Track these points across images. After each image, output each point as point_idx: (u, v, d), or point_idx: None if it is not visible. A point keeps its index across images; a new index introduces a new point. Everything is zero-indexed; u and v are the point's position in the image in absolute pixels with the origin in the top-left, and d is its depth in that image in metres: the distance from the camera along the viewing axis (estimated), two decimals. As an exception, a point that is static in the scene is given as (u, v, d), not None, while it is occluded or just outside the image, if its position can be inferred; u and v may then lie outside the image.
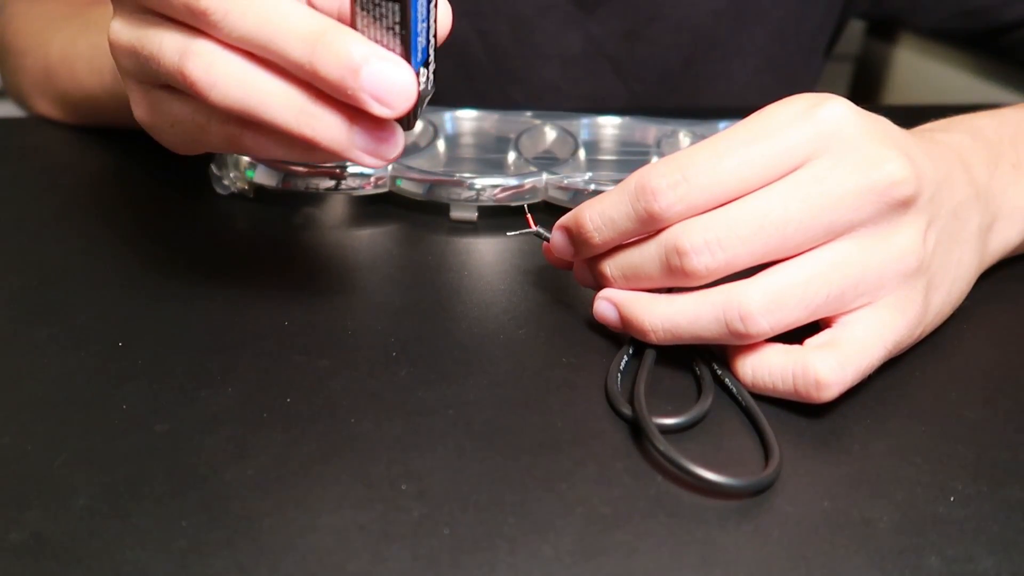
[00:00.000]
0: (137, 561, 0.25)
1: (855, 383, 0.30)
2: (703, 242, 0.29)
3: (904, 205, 0.30)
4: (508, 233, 0.38)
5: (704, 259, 0.29)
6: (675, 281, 0.31)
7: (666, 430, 0.29)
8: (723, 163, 0.29)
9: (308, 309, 0.36)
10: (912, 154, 0.30)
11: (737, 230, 0.29)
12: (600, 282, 0.34)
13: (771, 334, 0.30)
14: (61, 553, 0.25)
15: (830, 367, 0.29)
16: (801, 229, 0.29)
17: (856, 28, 1.21)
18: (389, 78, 0.26)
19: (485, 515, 0.26)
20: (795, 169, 0.30)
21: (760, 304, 0.29)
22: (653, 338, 0.32)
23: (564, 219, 0.34)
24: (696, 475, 0.27)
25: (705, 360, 0.33)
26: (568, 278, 0.39)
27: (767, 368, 0.31)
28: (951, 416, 0.31)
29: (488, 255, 0.42)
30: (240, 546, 0.25)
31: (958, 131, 0.37)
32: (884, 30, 1.21)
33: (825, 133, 0.29)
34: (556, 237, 0.35)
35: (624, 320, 0.33)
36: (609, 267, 0.33)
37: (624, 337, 0.34)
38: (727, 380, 0.32)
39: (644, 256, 0.32)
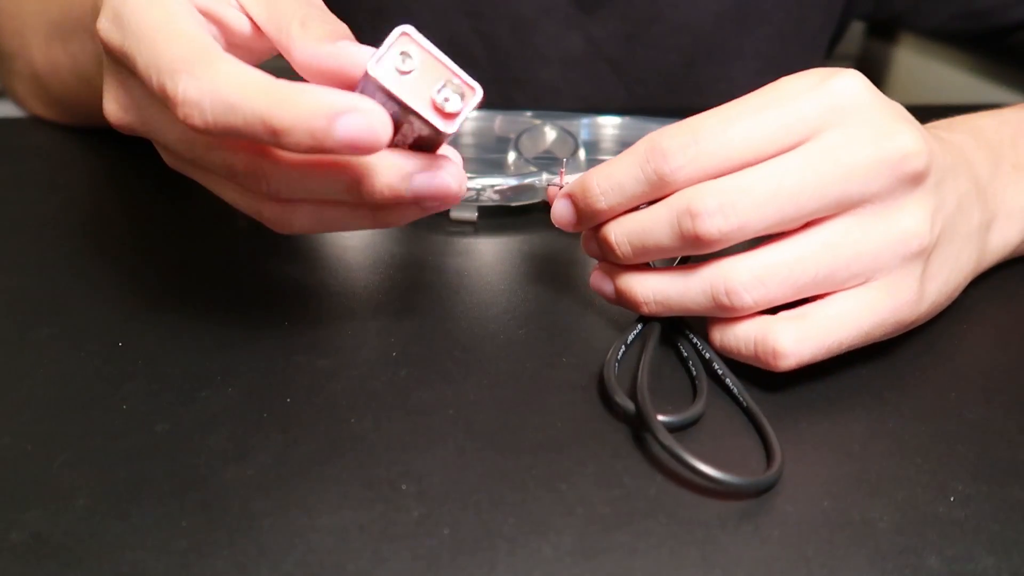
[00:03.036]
0: (137, 561, 0.25)
1: (816, 358, 0.30)
2: (717, 205, 0.29)
3: (915, 180, 0.30)
4: (544, 182, 0.37)
5: (717, 221, 0.29)
6: (685, 247, 0.30)
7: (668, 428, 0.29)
8: (734, 128, 0.29)
9: (308, 309, 0.36)
10: (923, 133, 0.30)
11: (751, 195, 0.29)
12: (605, 252, 0.33)
13: (756, 309, 0.30)
14: (61, 553, 0.25)
15: (790, 338, 0.30)
16: (814, 198, 0.29)
17: (856, 28, 1.21)
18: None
19: (485, 515, 0.26)
20: (805, 140, 0.29)
21: (746, 280, 0.29)
22: (645, 310, 0.32)
23: (569, 186, 0.33)
24: (700, 471, 0.27)
25: (705, 359, 0.33)
26: (568, 278, 0.39)
27: (733, 332, 0.31)
28: (951, 416, 0.31)
29: (488, 255, 0.42)
30: (240, 546, 0.25)
31: (960, 131, 0.37)
32: (884, 30, 1.21)
33: (837, 105, 0.29)
34: (559, 206, 0.34)
35: (618, 291, 0.33)
36: (615, 233, 0.32)
37: (623, 335, 0.34)
38: (728, 380, 0.32)
39: (653, 220, 0.31)
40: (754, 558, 0.25)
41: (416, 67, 0.26)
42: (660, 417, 0.29)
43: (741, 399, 0.31)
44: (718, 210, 0.29)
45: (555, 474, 0.28)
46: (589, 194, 0.32)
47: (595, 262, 0.35)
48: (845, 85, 0.30)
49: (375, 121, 0.25)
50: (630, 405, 0.30)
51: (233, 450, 0.29)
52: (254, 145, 0.28)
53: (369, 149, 0.25)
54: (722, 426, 0.30)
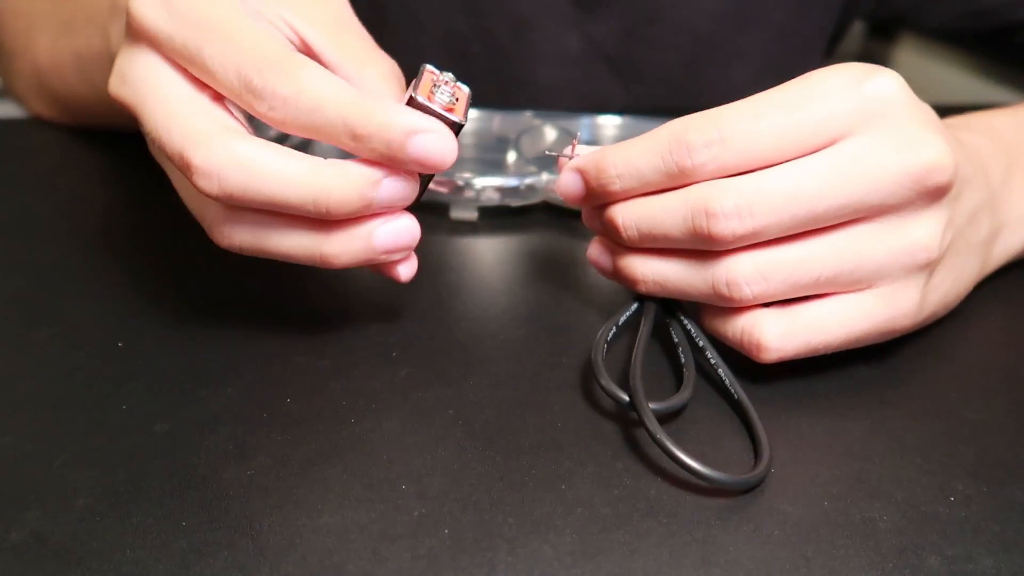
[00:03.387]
0: (137, 561, 0.25)
1: (800, 356, 0.31)
2: (734, 207, 0.28)
3: (936, 194, 0.29)
4: (547, 152, 0.37)
5: (732, 224, 0.28)
6: (695, 242, 0.30)
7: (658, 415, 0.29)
8: (762, 125, 0.28)
9: (308, 309, 0.36)
10: (950, 143, 0.30)
11: (769, 199, 0.28)
12: (609, 231, 0.32)
13: (755, 302, 0.30)
14: (61, 553, 0.25)
15: (775, 333, 0.30)
16: (833, 207, 0.28)
17: (856, 28, 1.21)
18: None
19: (485, 515, 0.26)
20: (834, 141, 0.29)
21: (747, 273, 0.29)
22: (642, 288, 0.32)
23: (581, 160, 0.32)
24: (688, 466, 0.27)
25: (699, 347, 0.32)
26: (568, 278, 0.39)
27: (724, 317, 0.31)
28: (951, 416, 0.31)
29: (488, 255, 0.42)
30: (240, 546, 0.25)
31: (976, 132, 0.36)
32: (884, 30, 1.21)
33: (869, 108, 0.28)
34: (568, 178, 0.32)
35: (616, 267, 0.33)
36: (623, 216, 0.31)
37: (624, 338, 0.34)
38: (720, 371, 0.31)
39: (666, 210, 0.30)
40: (754, 558, 0.25)
41: (448, 92, 0.30)
42: (653, 405, 0.29)
43: (733, 391, 0.31)
44: (734, 212, 0.28)
45: (555, 474, 0.28)
46: (604, 175, 0.31)
47: (593, 238, 0.34)
48: (880, 87, 0.29)
49: (446, 144, 0.28)
50: (615, 390, 0.29)
51: (233, 450, 0.29)
52: None
53: (436, 168, 0.28)
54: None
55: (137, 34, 0.30)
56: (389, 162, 0.28)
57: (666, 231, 0.30)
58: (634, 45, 0.61)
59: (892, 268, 0.30)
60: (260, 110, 0.28)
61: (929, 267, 0.30)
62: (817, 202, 0.28)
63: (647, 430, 0.28)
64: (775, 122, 0.28)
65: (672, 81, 0.63)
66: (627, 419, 0.30)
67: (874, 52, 1.22)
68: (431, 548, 0.25)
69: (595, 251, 0.34)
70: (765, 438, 0.29)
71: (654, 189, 0.31)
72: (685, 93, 0.64)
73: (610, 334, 0.32)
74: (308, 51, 0.32)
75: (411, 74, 0.31)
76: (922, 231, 0.30)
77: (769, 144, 0.29)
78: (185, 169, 0.28)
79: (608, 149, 0.31)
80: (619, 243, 0.33)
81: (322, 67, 0.28)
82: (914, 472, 0.29)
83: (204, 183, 0.28)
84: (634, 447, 0.29)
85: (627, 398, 0.29)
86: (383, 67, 0.32)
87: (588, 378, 0.33)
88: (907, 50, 1.18)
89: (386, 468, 0.28)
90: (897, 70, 0.30)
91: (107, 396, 0.31)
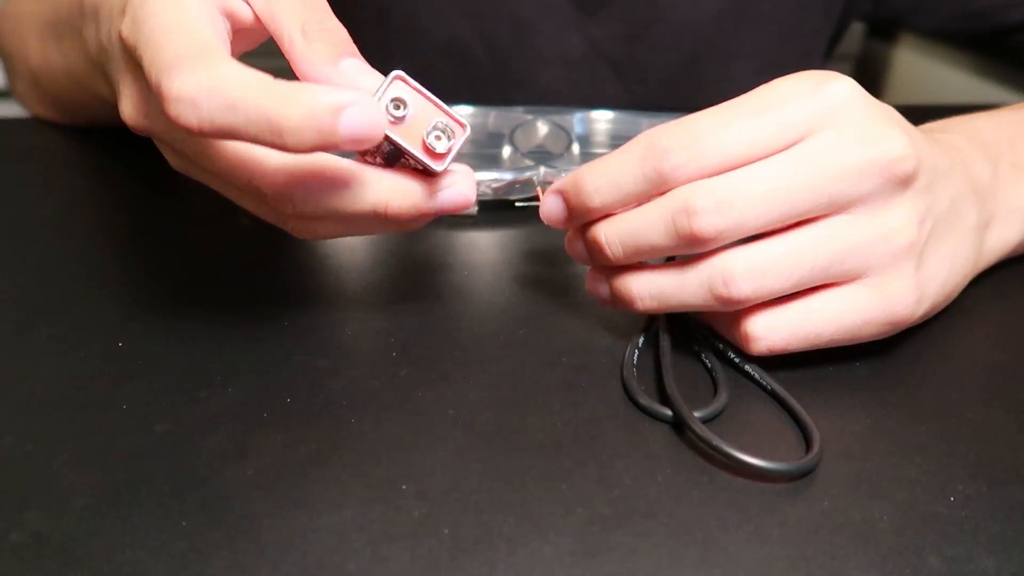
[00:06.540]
0: (137, 561, 0.25)
1: (789, 348, 0.31)
2: (713, 202, 0.29)
3: (903, 183, 0.30)
4: (517, 203, 0.38)
5: (713, 219, 0.29)
6: (679, 246, 0.30)
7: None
8: (732, 128, 0.29)
9: (308, 309, 0.36)
10: (914, 137, 0.31)
11: (746, 193, 0.29)
12: (594, 253, 0.33)
13: (754, 300, 0.30)
14: (61, 553, 0.25)
15: (762, 324, 0.31)
16: (807, 198, 0.29)
17: (856, 28, 1.21)
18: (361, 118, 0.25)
19: (485, 515, 0.26)
20: (799, 141, 0.30)
21: (744, 269, 0.30)
22: (640, 307, 0.32)
23: (560, 182, 0.33)
24: (744, 462, 0.27)
25: (718, 349, 0.33)
26: (568, 278, 0.39)
27: (714, 312, 0.32)
28: (951, 416, 0.31)
29: (488, 254, 0.42)
30: (240, 546, 0.25)
31: (956, 132, 0.37)
32: (884, 30, 1.21)
33: (831, 109, 0.30)
34: (549, 201, 0.33)
35: (612, 290, 0.33)
36: (605, 233, 0.32)
37: (625, 338, 0.34)
38: (747, 367, 0.32)
39: (646, 219, 0.31)
40: (754, 558, 0.25)
41: (409, 112, 0.28)
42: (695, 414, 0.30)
43: (765, 384, 0.32)
44: (714, 208, 0.29)
45: (555, 474, 0.28)
46: (583, 191, 0.32)
47: (589, 269, 0.35)
48: (838, 89, 0.30)
49: (375, 113, 0.25)
50: (656, 407, 0.30)
51: (233, 450, 0.29)
52: (281, 170, 0.28)
53: (372, 141, 0.25)
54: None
55: (125, 53, 0.29)
56: (324, 150, 0.25)
57: (650, 241, 0.31)
58: (635, 46, 0.61)
59: (877, 256, 0.30)
60: (172, 116, 0.25)
61: (912, 251, 0.31)
62: (792, 193, 0.29)
63: (698, 437, 0.28)
64: (744, 124, 0.30)
65: (673, 82, 0.63)
66: (626, 420, 0.30)
67: (874, 52, 1.22)
68: (431, 548, 0.25)
69: (592, 280, 0.34)
70: (811, 422, 0.29)
71: (633, 201, 0.31)
72: (686, 94, 0.64)
73: (635, 356, 0.33)
74: (252, 22, 0.30)
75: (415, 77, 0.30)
76: (897, 219, 0.30)
77: (740, 145, 0.29)
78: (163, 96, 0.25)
79: (585, 166, 0.32)
80: (606, 265, 0.33)
81: (236, 62, 0.25)
82: (914, 472, 0.29)
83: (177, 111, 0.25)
84: (634, 447, 0.29)
85: (670, 412, 0.30)
86: (317, 36, 0.28)
87: (588, 378, 0.33)
88: (907, 50, 1.18)
89: (386, 468, 0.28)
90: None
91: (107, 396, 0.31)
